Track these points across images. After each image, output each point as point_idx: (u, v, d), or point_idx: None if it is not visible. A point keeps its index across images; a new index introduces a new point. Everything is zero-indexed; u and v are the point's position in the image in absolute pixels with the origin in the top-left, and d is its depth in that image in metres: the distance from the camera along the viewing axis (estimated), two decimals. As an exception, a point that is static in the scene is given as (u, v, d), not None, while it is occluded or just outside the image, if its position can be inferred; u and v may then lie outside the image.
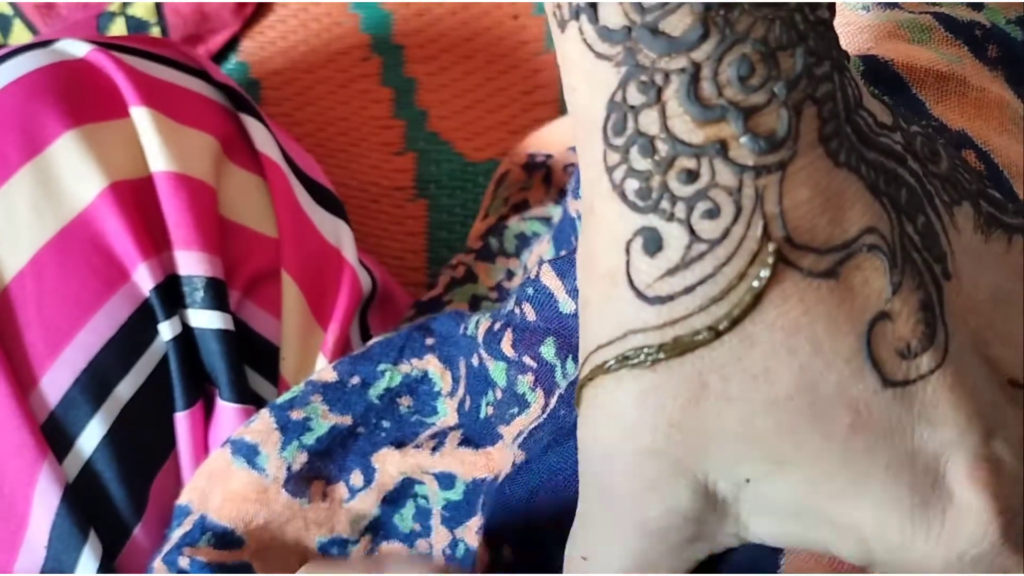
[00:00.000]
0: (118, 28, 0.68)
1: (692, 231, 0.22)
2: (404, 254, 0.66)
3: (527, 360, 0.34)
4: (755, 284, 0.22)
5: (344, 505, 0.39)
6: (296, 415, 0.39)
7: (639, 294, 0.23)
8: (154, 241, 0.41)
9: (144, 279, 0.40)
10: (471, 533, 0.36)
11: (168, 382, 0.41)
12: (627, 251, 0.23)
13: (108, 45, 0.44)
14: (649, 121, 0.22)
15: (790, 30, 0.22)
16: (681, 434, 0.23)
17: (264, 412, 0.40)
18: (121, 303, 0.40)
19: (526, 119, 0.66)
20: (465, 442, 0.37)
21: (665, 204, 0.22)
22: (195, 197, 0.42)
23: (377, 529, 0.39)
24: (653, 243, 0.23)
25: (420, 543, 0.39)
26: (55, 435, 0.38)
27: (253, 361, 0.43)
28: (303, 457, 0.39)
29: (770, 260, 0.22)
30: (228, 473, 0.39)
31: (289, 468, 0.38)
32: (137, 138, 0.42)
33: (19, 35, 0.70)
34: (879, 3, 0.35)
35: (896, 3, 0.35)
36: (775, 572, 0.26)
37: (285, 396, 0.40)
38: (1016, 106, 0.33)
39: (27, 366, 0.38)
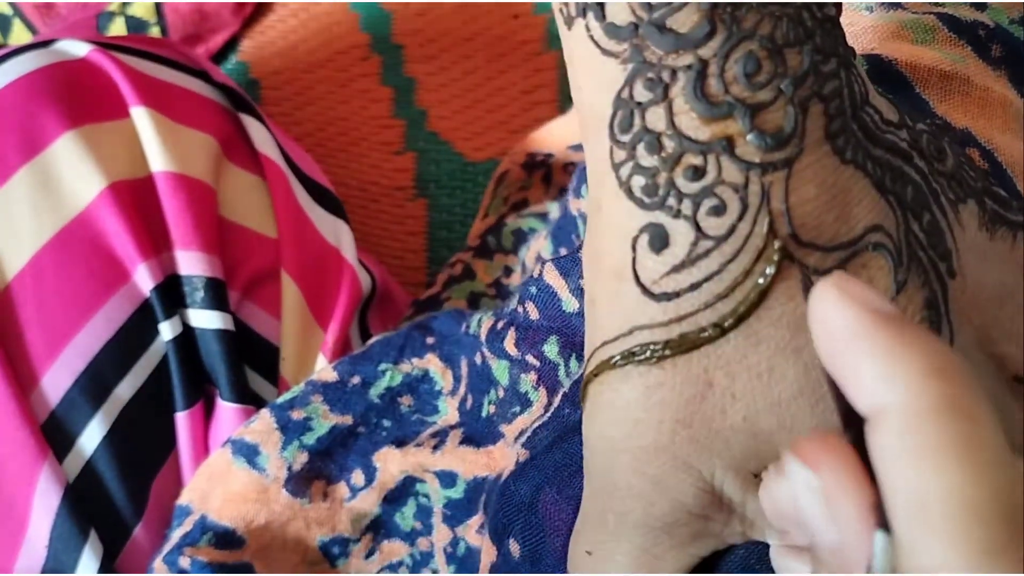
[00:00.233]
0: (118, 28, 0.68)
1: (698, 228, 0.22)
2: (404, 254, 0.66)
3: (530, 359, 0.34)
4: (761, 281, 0.22)
5: (345, 504, 0.39)
6: (296, 415, 0.39)
7: (645, 291, 0.23)
8: (154, 241, 0.41)
9: (144, 279, 0.40)
10: (472, 531, 0.36)
11: (168, 382, 0.41)
12: (633, 248, 0.23)
13: (108, 45, 0.44)
14: (656, 118, 0.22)
15: (797, 27, 0.22)
16: (686, 431, 0.23)
17: (264, 412, 0.40)
18: (121, 303, 0.40)
19: (526, 119, 0.66)
20: (466, 441, 0.37)
21: (671, 201, 0.23)
22: (195, 197, 0.42)
23: (378, 528, 0.39)
24: (659, 240, 0.23)
25: (421, 541, 0.39)
26: (55, 435, 0.38)
27: (253, 361, 0.43)
28: (304, 457, 0.39)
29: (776, 257, 0.22)
30: (228, 473, 0.39)
31: (290, 468, 0.38)
32: (137, 138, 0.42)
33: (19, 35, 0.70)
34: (883, 3, 0.35)
35: (900, 3, 0.35)
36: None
37: (285, 396, 0.40)
38: (1019, 105, 0.33)
39: (27, 366, 0.38)
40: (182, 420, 0.41)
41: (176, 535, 0.38)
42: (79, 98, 0.41)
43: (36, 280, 0.38)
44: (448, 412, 0.39)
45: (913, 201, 0.24)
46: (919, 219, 0.24)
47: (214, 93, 0.47)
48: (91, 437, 0.38)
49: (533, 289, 0.34)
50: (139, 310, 0.40)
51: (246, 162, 0.46)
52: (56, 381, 0.38)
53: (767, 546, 0.25)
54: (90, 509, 0.38)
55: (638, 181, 0.23)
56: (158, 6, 0.68)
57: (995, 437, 0.16)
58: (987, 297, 0.25)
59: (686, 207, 0.22)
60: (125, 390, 0.39)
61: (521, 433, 0.34)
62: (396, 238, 0.66)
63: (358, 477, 0.39)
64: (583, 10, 0.23)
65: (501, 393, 0.36)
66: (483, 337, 0.36)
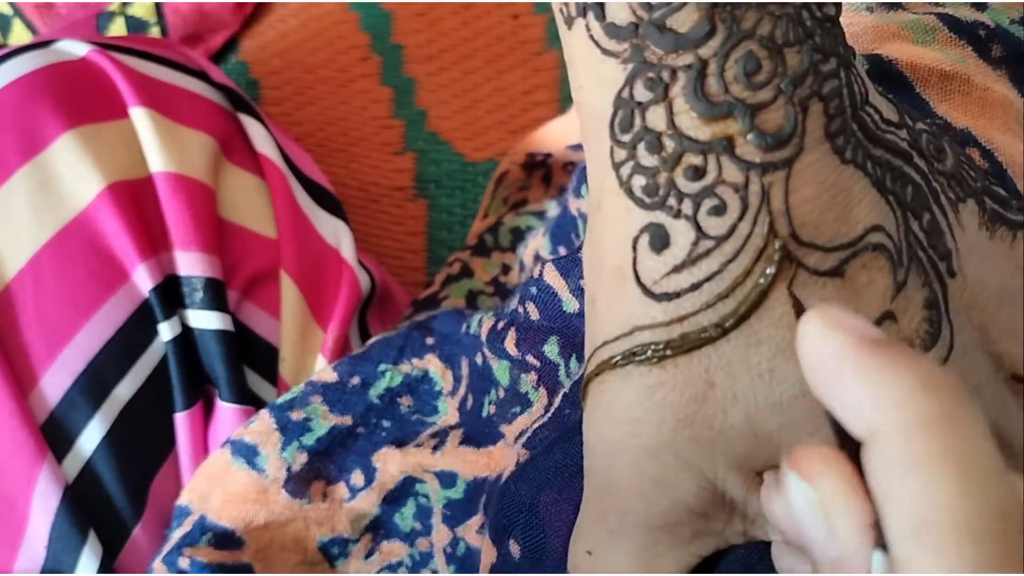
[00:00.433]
0: (118, 28, 0.68)
1: (699, 228, 0.22)
2: (404, 254, 0.66)
3: (530, 359, 0.34)
4: (761, 281, 0.22)
5: (345, 505, 0.39)
6: (296, 416, 0.39)
7: (646, 291, 0.23)
8: (153, 242, 0.41)
9: (143, 280, 0.40)
10: (472, 532, 0.36)
11: (167, 383, 0.41)
12: (634, 248, 0.23)
13: (107, 45, 0.44)
14: (656, 117, 0.22)
15: (797, 27, 0.22)
16: (688, 430, 0.23)
17: (264, 413, 0.40)
18: (120, 303, 0.40)
19: (526, 119, 0.66)
20: (466, 441, 0.37)
21: (672, 201, 0.22)
22: (194, 197, 0.42)
23: (378, 528, 0.39)
24: (660, 240, 0.23)
25: (421, 542, 0.39)
26: (55, 435, 0.38)
27: (252, 362, 0.43)
28: (303, 457, 0.38)
29: (776, 257, 0.22)
30: (228, 474, 0.39)
31: (289, 468, 0.38)
32: (136, 139, 0.42)
33: (19, 35, 0.70)
34: (883, 4, 0.35)
35: (900, 4, 0.35)
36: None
37: (285, 397, 0.40)
38: (1020, 105, 0.33)
39: (27, 366, 0.38)
40: (181, 420, 0.41)
41: (175, 535, 0.38)
42: (78, 98, 0.41)
43: (35, 280, 0.38)
44: (448, 412, 0.39)
45: (913, 201, 0.24)
46: (919, 218, 0.24)
47: (213, 93, 0.47)
48: (90, 437, 0.38)
49: (533, 289, 0.34)
50: (138, 310, 0.40)
51: (245, 162, 0.46)
52: (55, 381, 0.38)
53: (768, 546, 0.25)
54: (89, 509, 0.38)
55: (638, 181, 0.23)
56: (158, 6, 0.68)
57: (987, 450, 0.16)
58: (987, 296, 0.25)
59: (686, 207, 0.22)
60: (124, 390, 0.39)
61: (521, 433, 0.34)
62: (396, 238, 0.66)
63: (358, 477, 0.39)
64: (583, 10, 0.23)
65: (501, 393, 0.36)
66: (483, 337, 0.36)
